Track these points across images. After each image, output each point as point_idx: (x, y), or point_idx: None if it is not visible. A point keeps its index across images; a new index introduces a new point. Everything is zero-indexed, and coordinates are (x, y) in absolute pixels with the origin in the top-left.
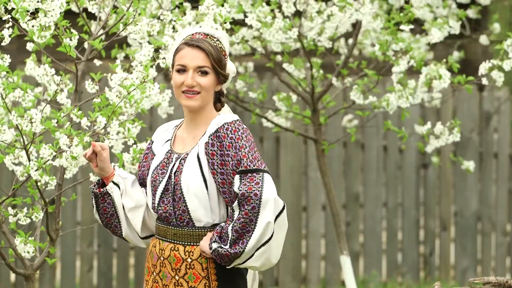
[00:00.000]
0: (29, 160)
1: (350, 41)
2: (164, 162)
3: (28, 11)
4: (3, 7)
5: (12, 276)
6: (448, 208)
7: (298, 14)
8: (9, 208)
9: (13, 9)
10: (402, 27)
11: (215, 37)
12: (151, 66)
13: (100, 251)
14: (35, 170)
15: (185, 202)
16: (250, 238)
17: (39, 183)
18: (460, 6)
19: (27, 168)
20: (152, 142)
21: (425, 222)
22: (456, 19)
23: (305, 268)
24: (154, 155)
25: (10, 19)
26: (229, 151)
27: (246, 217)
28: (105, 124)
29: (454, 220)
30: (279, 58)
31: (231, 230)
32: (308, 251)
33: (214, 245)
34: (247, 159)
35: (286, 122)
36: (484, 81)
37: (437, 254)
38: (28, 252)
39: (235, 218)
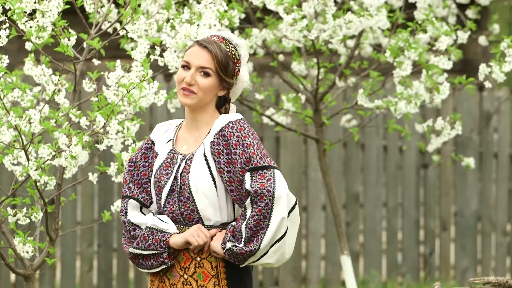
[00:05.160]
0: (28, 160)
1: (349, 41)
2: (167, 162)
3: (25, 12)
4: (1, 6)
5: (12, 276)
6: (448, 208)
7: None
8: (9, 208)
9: (10, 9)
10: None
11: (232, 43)
12: (148, 63)
13: (100, 251)
14: (34, 170)
15: (194, 202)
16: (264, 235)
17: (38, 183)
18: (460, 6)
19: (26, 168)
20: (153, 143)
21: (425, 222)
22: (465, 30)
23: (305, 268)
24: (157, 155)
25: (7, 20)
26: (236, 149)
27: (260, 214)
28: (104, 123)
29: (454, 220)
30: (280, 57)
31: (245, 228)
32: (308, 251)
33: (229, 244)
34: (256, 156)
35: (286, 120)
36: (487, 84)
37: (437, 254)
38: (27, 252)
39: (248, 216)
